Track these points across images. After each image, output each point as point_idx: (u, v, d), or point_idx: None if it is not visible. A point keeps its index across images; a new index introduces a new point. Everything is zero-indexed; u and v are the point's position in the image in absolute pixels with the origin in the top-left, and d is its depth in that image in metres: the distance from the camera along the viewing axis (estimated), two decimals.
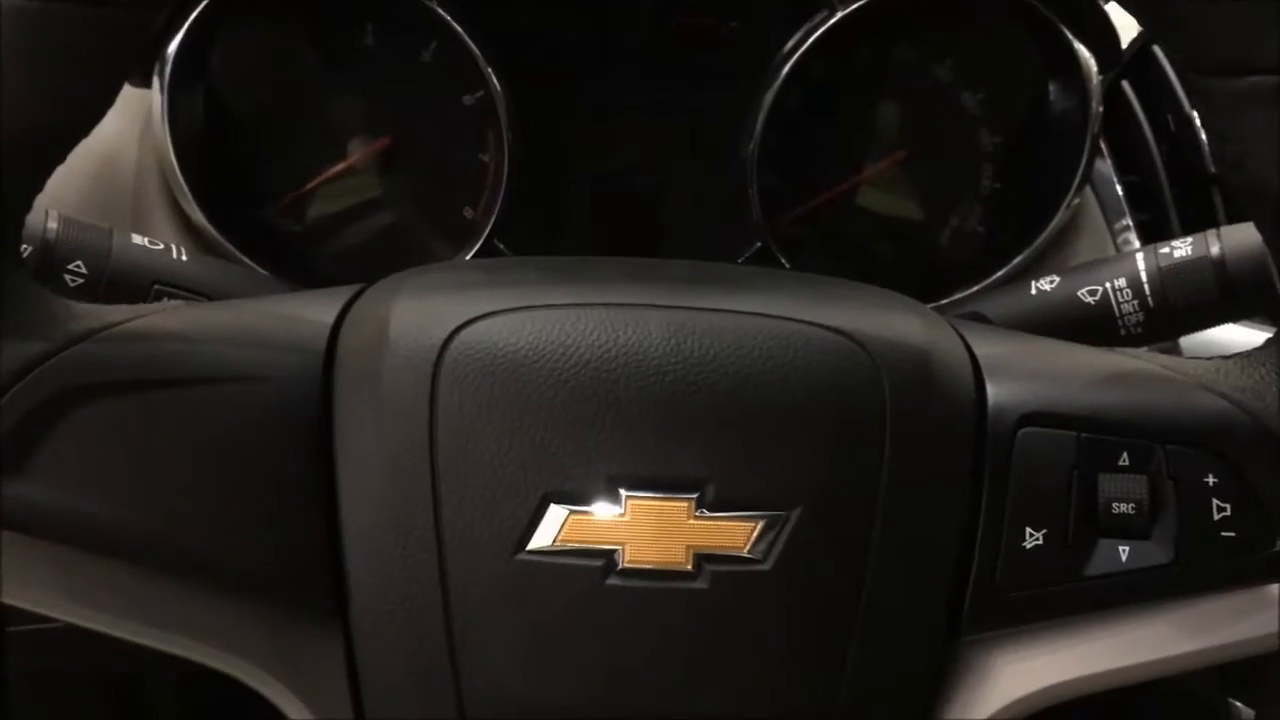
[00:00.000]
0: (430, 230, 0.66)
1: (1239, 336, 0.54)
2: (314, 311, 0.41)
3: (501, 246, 0.64)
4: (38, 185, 0.36)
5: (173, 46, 0.58)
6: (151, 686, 0.79)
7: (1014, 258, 0.62)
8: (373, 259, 0.66)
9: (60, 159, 0.36)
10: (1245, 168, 0.37)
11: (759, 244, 0.64)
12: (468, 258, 0.63)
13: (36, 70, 0.34)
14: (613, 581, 0.37)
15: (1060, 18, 0.59)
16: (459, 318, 0.38)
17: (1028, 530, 0.39)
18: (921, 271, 0.66)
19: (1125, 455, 0.38)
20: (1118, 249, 0.63)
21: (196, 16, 0.58)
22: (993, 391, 0.40)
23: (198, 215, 0.60)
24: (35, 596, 0.39)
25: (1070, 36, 0.59)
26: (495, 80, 0.61)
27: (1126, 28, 0.62)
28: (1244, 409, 0.38)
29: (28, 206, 0.37)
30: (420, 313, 0.39)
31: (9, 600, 0.38)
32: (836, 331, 0.39)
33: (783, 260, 0.63)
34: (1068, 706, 0.42)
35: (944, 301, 0.62)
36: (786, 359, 0.38)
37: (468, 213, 0.66)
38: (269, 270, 0.61)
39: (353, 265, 0.66)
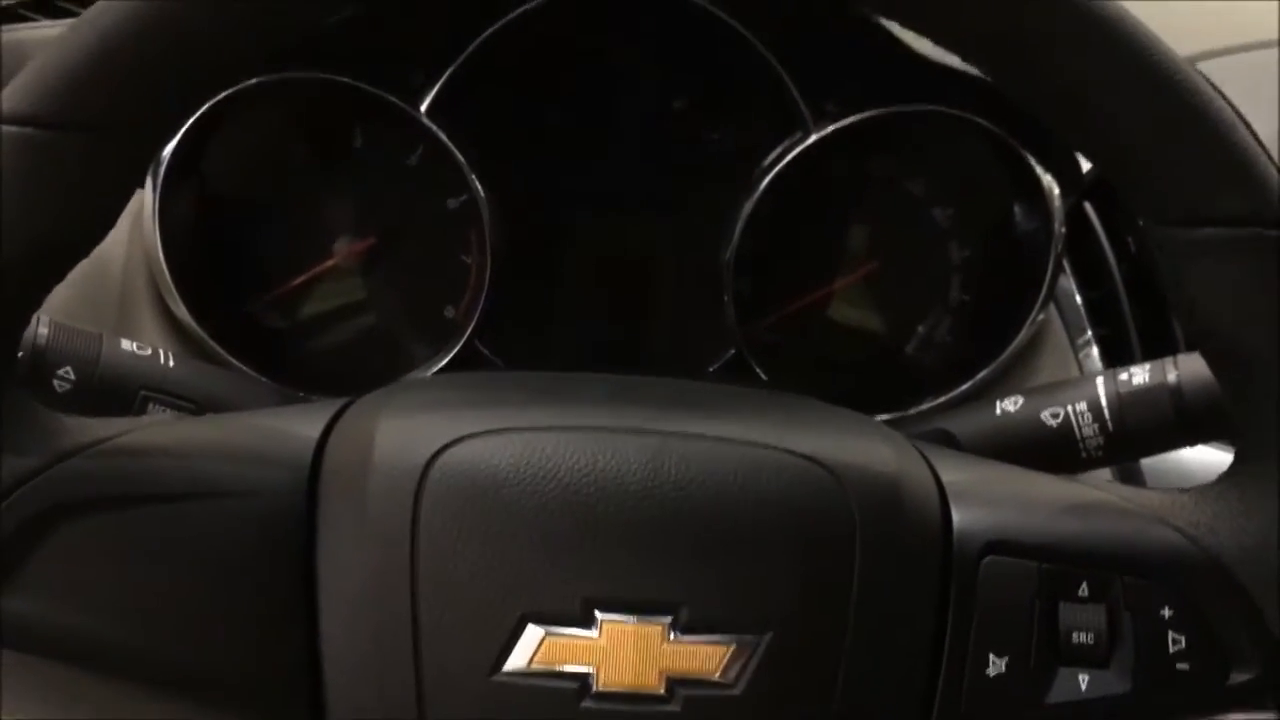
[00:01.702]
0: (412, 329, 0.67)
1: (1207, 456, 0.56)
2: (300, 426, 0.41)
3: (482, 348, 0.65)
4: (36, 304, 0.38)
5: (168, 148, 0.60)
6: None
7: (979, 370, 0.64)
8: (355, 357, 0.67)
9: (60, 278, 0.38)
10: (1198, 315, 0.39)
11: (732, 350, 0.66)
12: (448, 358, 0.64)
13: (40, 197, 0.36)
14: (587, 704, 0.38)
15: (1024, 144, 0.62)
16: (441, 439, 0.39)
17: (991, 657, 0.40)
18: (890, 380, 0.67)
19: (1085, 585, 0.40)
20: (1079, 363, 0.65)
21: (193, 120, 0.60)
22: (958, 518, 0.41)
23: (183, 313, 0.61)
24: (21, 709, 0.39)
25: (1033, 162, 0.62)
26: (479, 185, 0.63)
27: None
28: (1198, 544, 0.39)
29: (25, 324, 0.38)
30: (404, 432, 0.40)
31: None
32: (808, 459, 0.40)
33: (755, 366, 0.65)
34: None
35: (911, 412, 0.64)
36: (760, 485, 0.39)
37: (449, 312, 0.67)
38: (253, 367, 0.62)
39: (335, 362, 0.67)
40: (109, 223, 0.38)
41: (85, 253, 0.38)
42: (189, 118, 0.37)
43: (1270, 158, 0.37)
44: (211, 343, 0.61)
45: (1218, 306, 0.38)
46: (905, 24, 0.38)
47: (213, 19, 0.36)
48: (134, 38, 0.35)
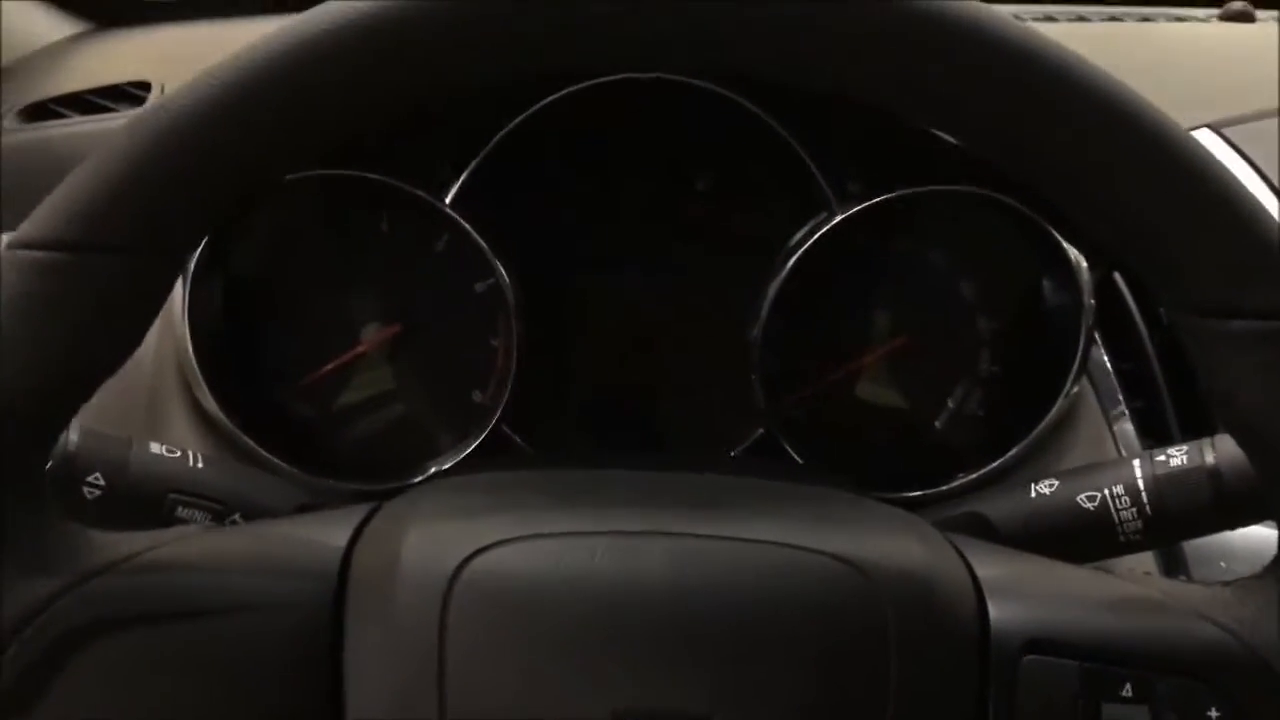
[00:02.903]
0: (440, 414, 0.68)
1: (1251, 534, 0.55)
2: (327, 535, 0.41)
3: (510, 432, 0.65)
4: (66, 425, 0.38)
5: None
6: None
7: (1012, 446, 0.63)
8: (385, 443, 0.67)
9: (89, 397, 0.38)
10: (1234, 406, 0.38)
11: (760, 430, 0.65)
12: (476, 443, 0.64)
13: (69, 320, 0.36)
14: None
15: (1049, 220, 0.61)
16: (468, 547, 0.39)
17: None
18: (921, 456, 0.67)
19: (1128, 686, 0.39)
20: (1114, 436, 0.64)
21: None
22: (995, 615, 0.40)
23: (212, 406, 0.61)
24: None
25: (1059, 238, 0.61)
26: (503, 271, 0.63)
27: None
28: (1241, 640, 0.38)
29: (55, 441, 0.38)
30: (430, 540, 0.40)
31: None
32: (838, 558, 0.39)
33: (785, 445, 0.65)
34: None
35: (944, 488, 0.63)
36: (789, 588, 0.39)
37: (477, 396, 0.67)
38: (283, 457, 0.62)
39: (365, 449, 0.67)
40: (137, 340, 0.38)
41: (115, 370, 0.38)
42: (212, 231, 0.37)
43: None
44: (241, 435, 0.61)
45: (1253, 398, 0.37)
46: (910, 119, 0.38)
47: (238, 144, 0.36)
48: (158, 161, 0.36)
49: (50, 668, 0.37)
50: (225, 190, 0.37)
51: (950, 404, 0.67)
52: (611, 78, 0.61)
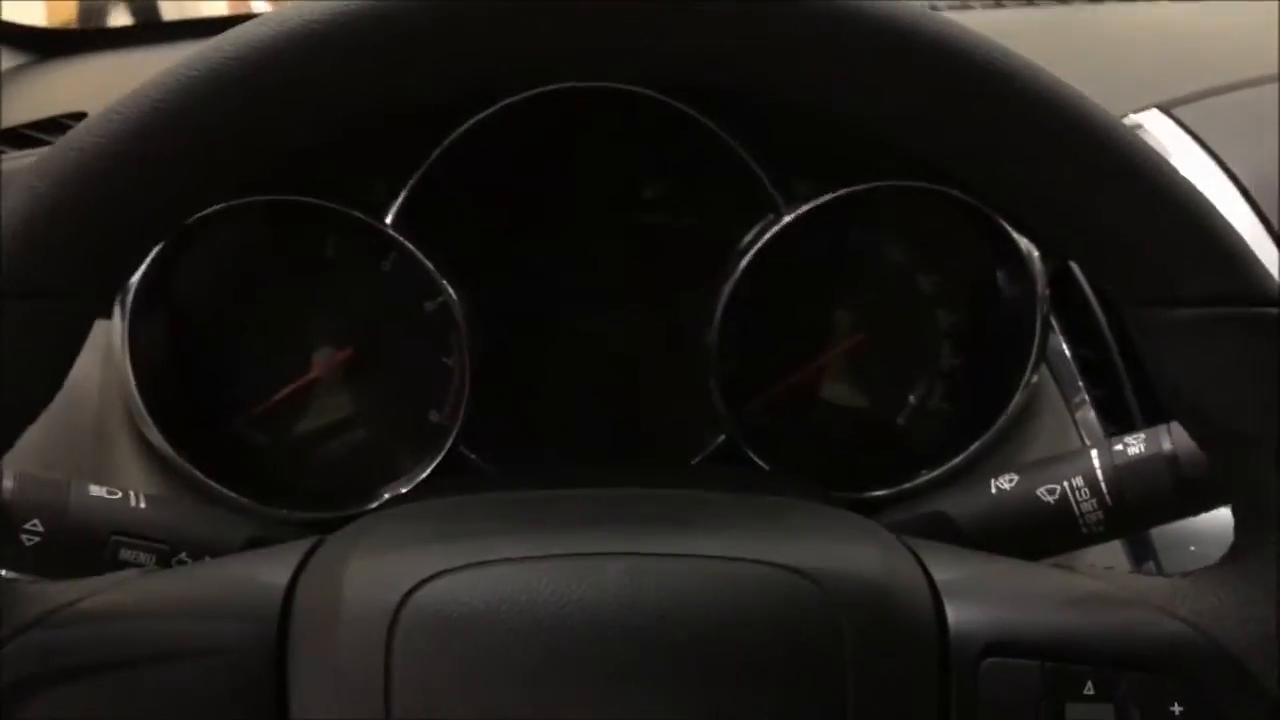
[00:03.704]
0: (398, 436, 0.66)
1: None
2: (268, 574, 0.40)
3: (467, 452, 0.64)
4: None
5: (135, 278, 0.59)
6: None
7: (976, 439, 0.62)
8: (342, 468, 0.66)
9: (11, 444, 0.37)
10: (1182, 395, 0.37)
11: (723, 436, 0.64)
12: (434, 463, 0.63)
13: None
14: None
15: (995, 211, 0.61)
16: (411, 579, 0.38)
17: None
18: (885, 454, 0.66)
19: (1090, 684, 0.38)
20: (1076, 425, 0.64)
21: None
22: (954, 618, 0.39)
23: (159, 440, 0.60)
24: None
25: (1009, 228, 0.61)
26: (450, 289, 0.62)
27: None
28: (1201, 632, 0.38)
29: None
30: (372, 573, 0.39)
31: None
32: (790, 569, 0.39)
33: (748, 450, 0.64)
34: None
35: (908, 485, 0.62)
36: (743, 602, 0.38)
37: (434, 416, 0.66)
38: (236, 488, 0.61)
39: (322, 475, 0.66)
40: (57, 385, 0.37)
41: (35, 417, 0.37)
42: (132, 273, 0.36)
43: (1242, 236, 0.36)
44: (191, 469, 0.60)
45: (1199, 386, 0.37)
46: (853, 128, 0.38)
47: (147, 182, 0.35)
48: (64, 203, 0.35)
49: None
50: (140, 230, 0.36)
51: (911, 400, 0.67)
52: (550, 88, 0.60)
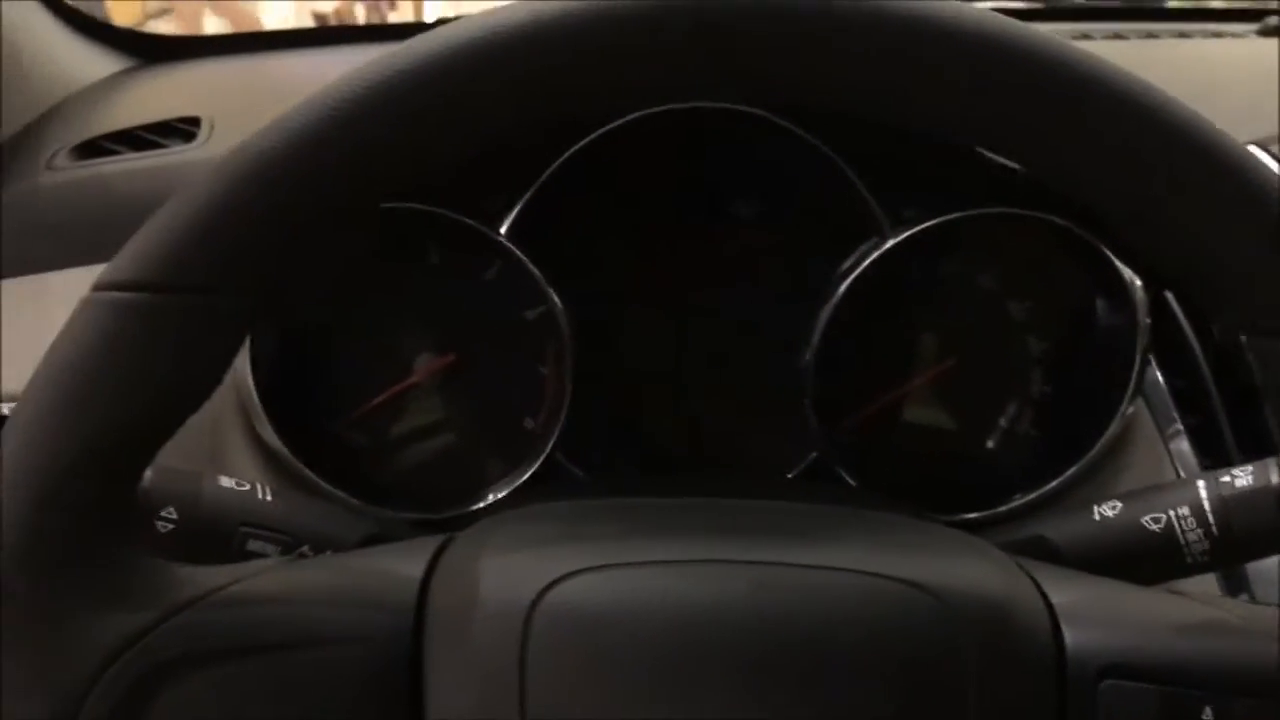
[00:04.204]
0: (493, 443, 0.68)
1: None
2: (403, 566, 0.42)
3: (563, 459, 0.65)
4: (151, 459, 0.38)
5: None
6: None
7: (1067, 467, 0.63)
8: (438, 473, 0.68)
9: (172, 434, 0.38)
10: None
11: (814, 454, 0.65)
12: (530, 471, 0.64)
13: (153, 361, 0.36)
14: None
15: (1101, 239, 0.61)
16: (546, 577, 0.39)
17: None
18: (975, 478, 0.66)
19: (1207, 710, 0.39)
20: (1170, 456, 0.64)
21: None
22: (1071, 641, 0.40)
23: (272, 438, 0.62)
24: None
25: (1113, 257, 0.61)
26: (555, 298, 0.64)
27: None
28: None
29: (139, 480, 0.39)
30: (508, 570, 0.40)
31: None
32: (914, 585, 0.40)
33: (839, 469, 0.65)
34: None
35: (1000, 509, 0.63)
36: (867, 615, 0.39)
37: (529, 424, 0.68)
38: (339, 487, 0.62)
39: (418, 479, 0.68)
40: (219, 378, 0.39)
41: (197, 407, 0.39)
42: (289, 277, 0.38)
43: None
44: (301, 467, 0.62)
45: None
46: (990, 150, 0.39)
47: (316, 184, 0.37)
48: (238, 203, 0.36)
49: (138, 704, 0.37)
50: (304, 230, 0.38)
51: (1002, 424, 0.67)
52: (664, 108, 0.62)
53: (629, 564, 0.40)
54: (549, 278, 0.64)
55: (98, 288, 0.37)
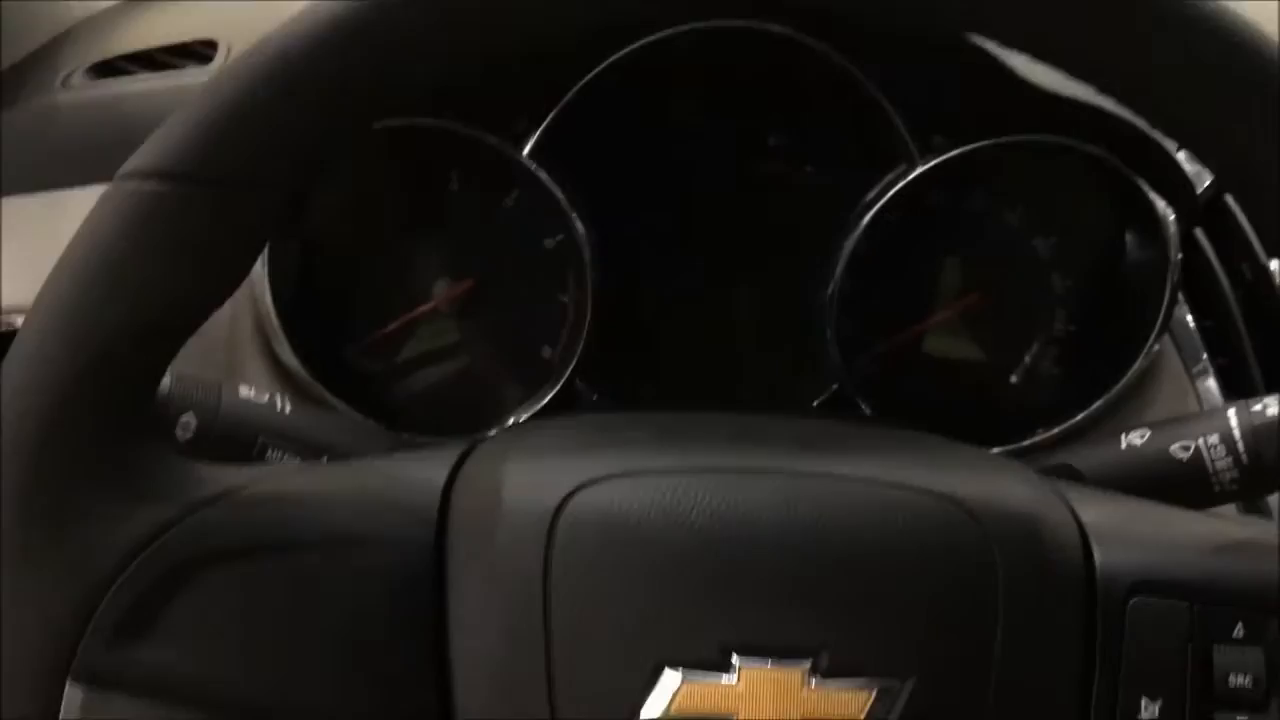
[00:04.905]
0: (510, 370, 0.67)
1: None
2: (425, 470, 0.41)
3: (581, 387, 0.65)
4: (171, 358, 0.38)
5: None
6: None
7: (1092, 402, 0.62)
8: (454, 398, 0.67)
9: (193, 332, 0.38)
10: None
11: (835, 386, 0.65)
12: (547, 399, 0.64)
13: (176, 253, 0.36)
14: None
15: (1135, 170, 0.60)
16: (570, 483, 0.39)
17: (1144, 701, 0.38)
18: (997, 413, 0.66)
19: (1240, 626, 0.38)
20: (1197, 394, 0.63)
21: None
22: (1101, 558, 0.39)
23: (289, 357, 0.61)
24: None
25: (1147, 189, 0.60)
26: (579, 224, 0.63)
27: (1198, 175, 0.63)
28: None
29: (160, 380, 0.38)
30: (532, 476, 0.40)
31: None
32: (945, 498, 0.39)
33: (860, 402, 0.64)
34: None
35: (1025, 443, 0.63)
36: (897, 526, 0.38)
37: (546, 352, 0.67)
38: (355, 409, 0.62)
39: (434, 404, 0.67)
40: (240, 277, 0.38)
41: (218, 305, 0.38)
42: (314, 180, 0.37)
43: None
44: (318, 387, 0.61)
45: None
46: (1042, 59, 0.37)
47: (340, 82, 0.36)
48: (261, 96, 0.36)
49: (160, 597, 0.37)
50: (328, 127, 0.37)
51: (1026, 360, 0.67)
52: (691, 26, 0.61)
53: (659, 471, 0.39)
54: (571, 202, 0.63)
55: (121, 176, 0.36)
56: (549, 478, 0.39)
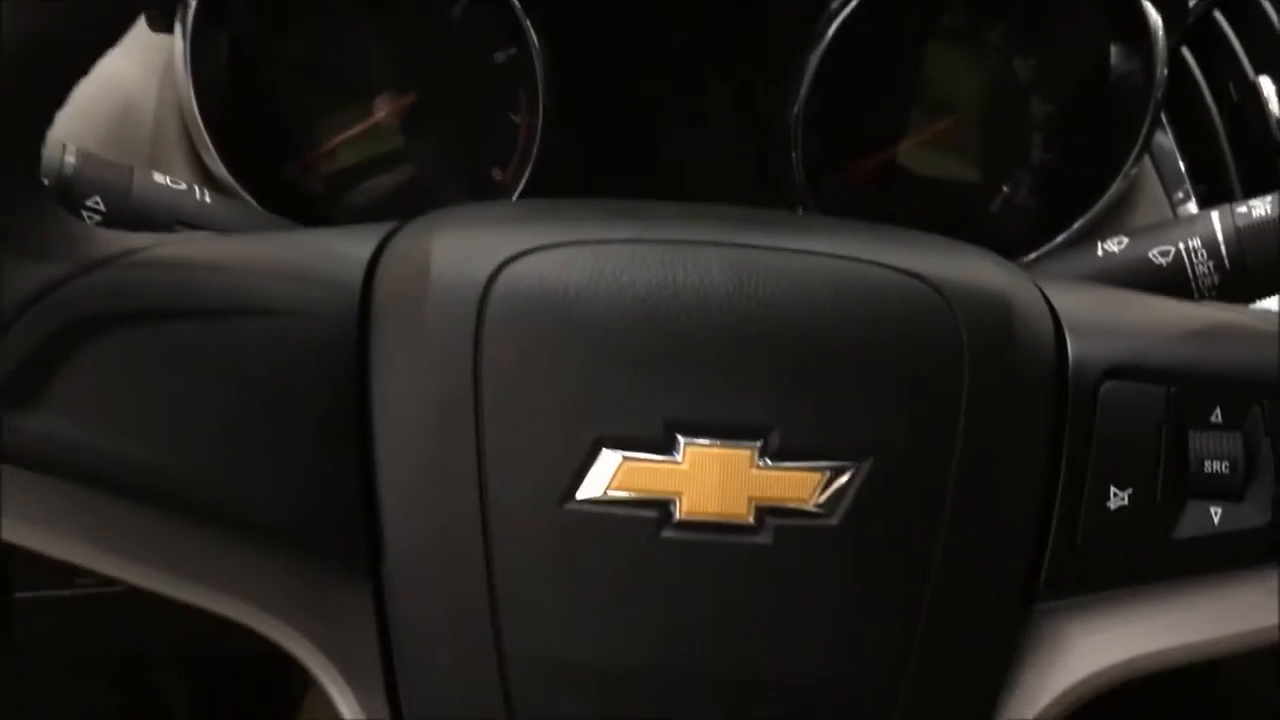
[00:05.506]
0: (457, 192, 0.64)
1: None
2: (349, 246, 0.38)
3: None
4: (58, 98, 0.34)
5: None
6: (158, 671, 0.76)
7: (1068, 226, 0.59)
8: (393, 218, 0.64)
9: (82, 71, 0.34)
10: None
11: (800, 209, 0.62)
12: None
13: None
14: (668, 534, 0.34)
15: None
16: (505, 252, 0.36)
17: (1112, 489, 0.36)
18: (969, 239, 0.63)
19: (1218, 411, 0.36)
20: (1177, 219, 0.60)
21: None
22: (1074, 343, 0.37)
23: (218, 166, 0.57)
24: (45, 536, 0.36)
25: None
26: (534, 37, 0.59)
27: None
28: None
29: (48, 120, 0.34)
30: (464, 247, 0.37)
31: (11, 538, 0.35)
32: (910, 274, 0.36)
33: None
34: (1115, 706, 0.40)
35: None
36: (856, 302, 0.36)
37: (496, 174, 0.63)
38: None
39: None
40: (116, 28, 0.34)
41: (108, 43, 0.34)
42: None
43: None
44: (249, 198, 0.57)
45: None
46: None
47: None
48: None
49: (47, 361, 0.34)
50: None
51: (1002, 189, 0.64)
52: None
53: (599, 241, 0.36)
54: (525, 12, 0.58)
55: None
56: (482, 249, 0.36)
